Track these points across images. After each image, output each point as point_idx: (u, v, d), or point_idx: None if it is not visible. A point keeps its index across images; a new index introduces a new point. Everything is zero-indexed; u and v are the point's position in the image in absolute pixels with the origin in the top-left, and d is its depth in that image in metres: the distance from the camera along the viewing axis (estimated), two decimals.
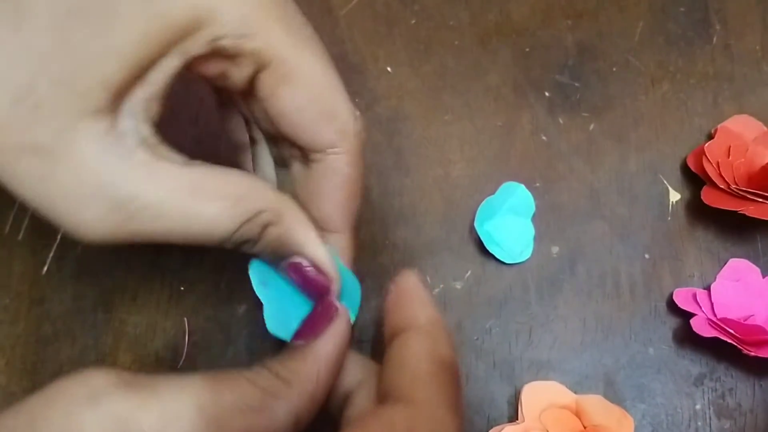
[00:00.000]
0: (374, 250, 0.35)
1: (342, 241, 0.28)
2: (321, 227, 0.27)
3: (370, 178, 0.36)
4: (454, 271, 0.34)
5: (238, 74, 0.23)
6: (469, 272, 0.34)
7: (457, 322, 0.34)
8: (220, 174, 0.23)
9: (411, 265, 0.35)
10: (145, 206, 0.21)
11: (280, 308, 0.27)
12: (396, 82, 0.37)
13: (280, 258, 0.25)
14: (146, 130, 0.22)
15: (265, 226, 0.24)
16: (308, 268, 0.25)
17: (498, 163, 0.36)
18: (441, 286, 0.34)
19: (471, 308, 0.34)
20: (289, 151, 0.27)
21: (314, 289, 0.26)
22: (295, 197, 0.27)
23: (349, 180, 0.26)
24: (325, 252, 0.25)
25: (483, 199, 0.34)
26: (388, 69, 0.38)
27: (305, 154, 0.26)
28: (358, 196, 0.27)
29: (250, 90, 0.24)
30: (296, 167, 0.27)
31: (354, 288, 0.28)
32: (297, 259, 0.25)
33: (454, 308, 0.34)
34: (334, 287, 0.26)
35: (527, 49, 0.38)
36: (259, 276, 0.27)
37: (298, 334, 0.26)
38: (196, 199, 0.22)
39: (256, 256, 0.26)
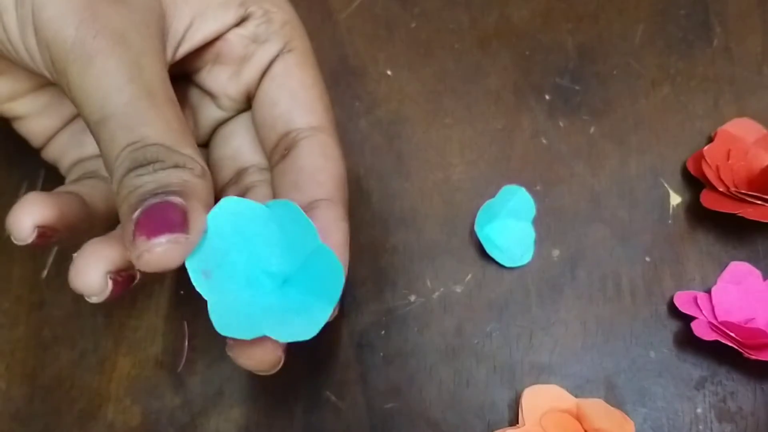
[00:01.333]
0: (374, 254, 0.35)
1: (332, 211, 0.25)
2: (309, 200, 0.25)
3: (370, 181, 0.36)
4: (454, 275, 0.34)
5: (267, 51, 0.26)
6: (469, 276, 0.34)
7: (457, 325, 0.34)
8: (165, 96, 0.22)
9: (411, 269, 0.35)
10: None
11: (234, 301, 0.22)
12: (396, 85, 0.37)
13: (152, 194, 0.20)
14: None
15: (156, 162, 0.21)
16: (178, 207, 0.20)
17: (498, 167, 0.36)
18: (441, 289, 0.34)
19: (471, 312, 0.34)
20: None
21: (168, 222, 0.20)
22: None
23: (330, 155, 0.26)
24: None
25: (483, 203, 0.34)
26: (389, 72, 0.38)
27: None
28: (342, 174, 0.26)
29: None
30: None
31: (334, 270, 0.22)
32: (173, 199, 0.20)
33: (454, 312, 0.34)
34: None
35: (527, 53, 0.38)
36: (199, 264, 0.21)
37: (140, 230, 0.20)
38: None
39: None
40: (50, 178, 0.36)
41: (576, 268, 0.35)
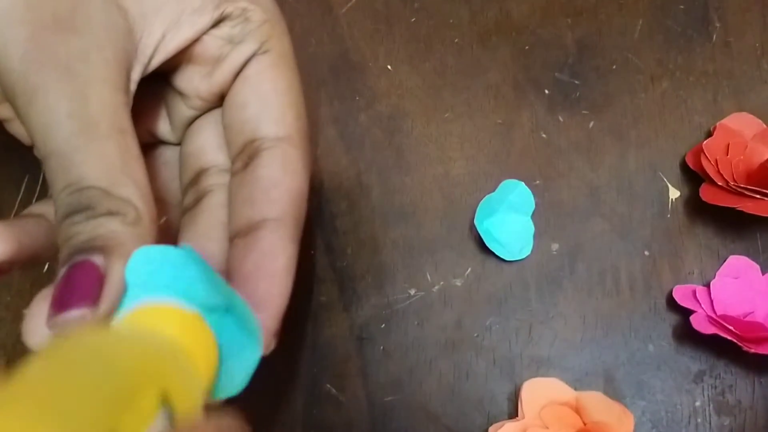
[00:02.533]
0: (374, 248, 0.35)
1: (279, 232, 0.24)
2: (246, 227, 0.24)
3: (370, 175, 0.36)
4: (454, 269, 0.35)
5: (241, 53, 0.26)
6: (469, 270, 0.35)
7: (457, 319, 0.34)
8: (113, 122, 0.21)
9: (411, 263, 0.35)
10: None
11: None
12: (396, 80, 0.38)
13: (76, 252, 0.20)
14: None
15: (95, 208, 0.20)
16: (97, 269, 0.19)
17: (498, 161, 0.36)
18: (441, 283, 0.34)
19: (471, 305, 0.34)
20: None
21: (80, 293, 0.19)
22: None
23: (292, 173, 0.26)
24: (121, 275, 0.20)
25: (483, 197, 0.34)
26: (389, 67, 0.38)
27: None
28: (300, 189, 0.26)
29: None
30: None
31: (250, 326, 0.20)
32: (97, 260, 0.19)
33: (454, 305, 0.34)
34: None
35: (527, 47, 0.38)
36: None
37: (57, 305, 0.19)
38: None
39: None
40: None
41: (575, 262, 0.35)
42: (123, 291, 0.20)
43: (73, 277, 0.19)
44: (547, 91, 0.37)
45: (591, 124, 0.37)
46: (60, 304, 0.19)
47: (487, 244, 0.34)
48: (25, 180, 0.36)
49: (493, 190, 0.35)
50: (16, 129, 0.28)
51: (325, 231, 0.35)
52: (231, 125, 0.27)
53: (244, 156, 0.26)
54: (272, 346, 0.23)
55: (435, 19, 0.39)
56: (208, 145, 0.28)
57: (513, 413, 0.32)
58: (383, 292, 0.34)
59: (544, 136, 0.37)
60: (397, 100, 0.37)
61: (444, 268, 0.35)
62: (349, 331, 0.34)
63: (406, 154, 0.36)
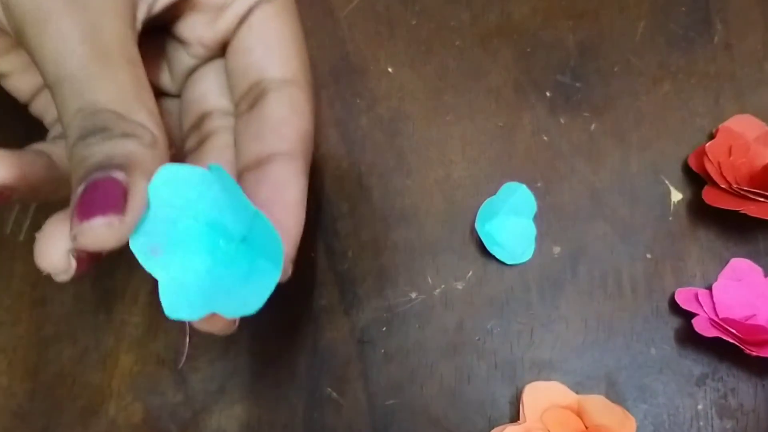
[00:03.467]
0: (375, 251, 0.35)
1: (291, 165, 0.25)
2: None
3: (371, 178, 0.36)
4: (455, 272, 0.34)
5: (245, 1, 0.26)
6: (470, 273, 0.34)
7: (458, 322, 0.34)
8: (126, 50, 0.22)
9: (412, 266, 0.35)
10: None
11: (183, 278, 0.21)
12: (397, 82, 0.37)
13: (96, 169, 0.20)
14: None
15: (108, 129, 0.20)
16: (119, 183, 0.20)
17: (499, 164, 0.36)
18: (442, 286, 0.34)
19: (472, 309, 0.34)
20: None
21: (105, 204, 0.19)
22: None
23: (298, 111, 0.26)
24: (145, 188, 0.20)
25: (484, 200, 0.34)
26: (389, 70, 0.38)
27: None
28: (308, 129, 0.26)
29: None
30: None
31: (273, 240, 0.20)
32: (118, 176, 0.20)
33: (455, 308, 0.34)
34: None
35: (528, 50, 0.38)
36: (146, 242, 0.21)
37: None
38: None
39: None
40: None
41: (577, 265, 0.35)
42: (146, 206, 0.20)
43: (95, 190, 0.19)
44: (548, 94, 0.37)
45: (592, 126, 0.37)
46: (84, 213, 0.19)
47: (488, 248, 0.34)
48: None
49: (495, 193, 0.35)
50: (13, 84, 0.28)
51: (325, 233, 0.35)
52: (235, 69, 0.27)
53: (249, 98, 0.26)
54: (289, 272, 0.23)
55: (436, 21, 0.39)
56: (210, 91, 0.28)
57: (514, 417, 0.32)
58: (384, 295, 0.34)
59: (545, 138, 0.37)
60: (398, 102, 0.37)
61: (445, 271, 0.35)
62: (350, 334, 0.34)
63: (407, 156, 0.36)
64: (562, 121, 0.37)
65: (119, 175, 0.19)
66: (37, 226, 0.35)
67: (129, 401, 0.33)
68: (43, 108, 0.29)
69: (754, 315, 0.33)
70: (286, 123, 0.25)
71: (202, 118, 0.28)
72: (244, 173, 0.25)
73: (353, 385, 0.33)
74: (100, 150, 0.20)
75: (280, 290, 0.34)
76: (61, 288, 0.34)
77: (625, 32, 0.38)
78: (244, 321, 0.34)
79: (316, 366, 0.33)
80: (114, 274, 0.34)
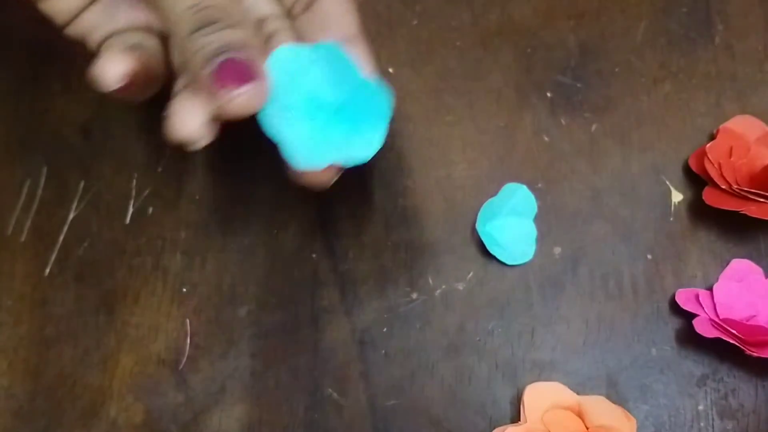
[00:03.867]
0: (376, 252, 0.35)
1: (361, 45, 0.29)
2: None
3: (372, 179, 0.36)
4: (456, 273, 0.34)
5: None
6: (471, 273, 0.34)
7: (459, 323, 0.34)
8: None
9: (413, 266, 0.35)
10: None
11: (299, 139, 0.26)
12: (398, 83, 0.37)
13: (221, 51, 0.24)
14: None
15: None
16: (245, 61, 0.24)
17: (500, 164, 0.36)
18: (443, 287, 0.34)
19: (473, 309, 0.34)
20: None
21: (237, 76, 0.24)
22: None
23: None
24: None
25: (485, 200, 0.34)
26: (390, 70, 0.38)
27: None
28: (359, 22, 0.29)
29: None
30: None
31: (381, 96, 0.26)
32: (241, 55, 0.24)
33: (456, 309, 0.34)
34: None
35: (529, 50, 0.38)
36: (266, 110, 0.25)
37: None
38: None
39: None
40: (52, 176, 0.36)
41: (578, 266, 0.35)
42: (269, 81, 0.25)
43: (229, 66, 0.23)
44: (549, 94, 0.37)
45: (593, 127, 0.37)
46: (231, 82, 0.23)
47: (489, 248, 0.34)
48: (27, 183, 0.36)
49: (495, 194, 0.35)
50: (53, 6, 0.29)
51: (326, 234, 0.35)
52: None
53: (302, 2, 0.29)
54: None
55: (437, 22, 0.39)
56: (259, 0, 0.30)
57: (515, 417, 0.32)
58: (385, 296, 0.34)
59: (546, 139, 0.37)
60: (398, 103, 0.37)
61: (446, 271, 0.35)
62: (351, 335, 0.34)
63: (407, 157, 0.36)
64: (562, 121, 0.37)
65: (242, 56, 0.23)
66: (38, 227, 0.35)
67: (130, 402, 0.33)
68: (88, 28, 0.30)
69: (755, 316, 0.33)
70: (345, 14, 0.29)
71: (259, 23, 0.30)
72: None
73: (354, 386, 0.33)
74: (218, 38, 0.23)
75: (281, 290, 0.34)
76: (62, 289, 0.34)
77: (625, 33, 0.38)
78: (245, 322, 0.34)
79: (316, 366, 0.33)
80: (115, 274, 0.34)
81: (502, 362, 0.33)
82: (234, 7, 0.25)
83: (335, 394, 0.33)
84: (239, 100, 0.23)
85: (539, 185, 0.36)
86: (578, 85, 0.38)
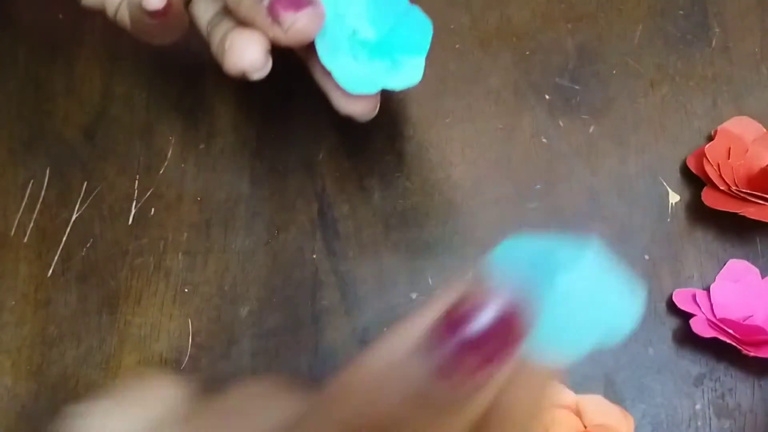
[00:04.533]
0: (376, 252, 0.35)
1: None
2: None
3: (372, 180, 0.36)
4: (455, 273, 0.35)
5: None
6: (470, 273, 0.35)
7: None
8: None
9: (413, 267, 0.35)
10: None
11: (349, 66, 0.28)
12: None
13: None
14: None
15: None
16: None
17: (499, 166, 0.36)
18: (443, 287, 0.34)
19: None
20: None
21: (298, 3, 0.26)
22: None
23: None
24: None
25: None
26: None
27: None
28: None
29: None
30: None
31: (423, 25, 0.29)
32: None
33: None
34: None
35: (527, 53, 0.38)
36: (320, 41, 0.28)
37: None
38: None
39: None
40: (55, 177, 0.36)
41: None
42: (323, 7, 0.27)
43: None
44: (547, 96, 0.38)
45: (591, 128, 0.37)
46: (293, 6, 0.25)
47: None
48: (30, 184, 0.36)
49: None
50: None
51: (326, 235, 0.35)
52: None
53: None
54: None
55: (436, 24, 0.38)
56: None
57: None
58: (385, 296, 0.34)
59: (544, 140, 0.37)
60: (397, 105, 0.37)
61: (446, 271, 0.35)
62: (351, 334, 0.34)
63: (407, 158, 0.37)
64: (561, 123, 0.37)
65: None
66: (41, 228, 0.35)
67: None
68: None
69: (752, 316, 0.33)
70: None
71: None
72: None
73: None
74: None
75: (282, 291, 0.35)
76: (65, 289, 0.34)
77: (623, 35, 0.39)
78: (247, 322, 0.34)
79: (316, 367, 0.33)
80: (117, 275, 0.35)
81: None
82: None
83: None
84: (298, 24, 0.25)
85: (537, 186, 0.36)
86: (576, 87, 0.38)
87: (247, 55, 0.27)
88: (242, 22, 0.28)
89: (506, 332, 0.15)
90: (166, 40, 0.31)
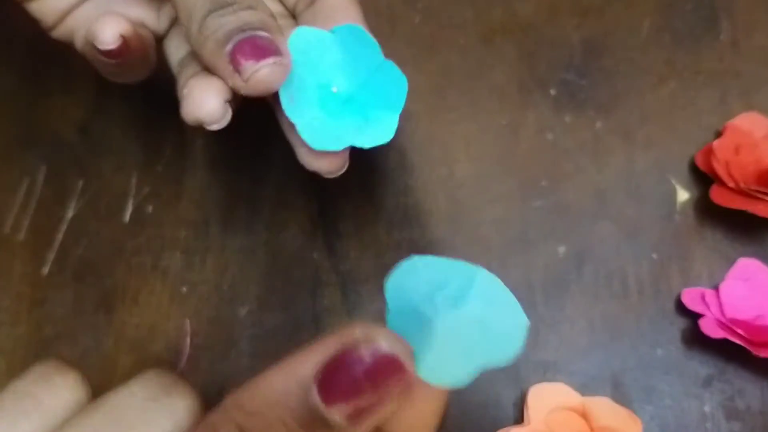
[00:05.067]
0: (378, 251, 0.35)
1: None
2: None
3: (374, 177, 0.36)
4: None
5: None
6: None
7: None
8: None
9: None
10: None
11: (316, 120, 0.26)
12: None
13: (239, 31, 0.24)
14: None
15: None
16: (266, 39, 0.24)
17: (503, 162, 0.36)
18: None
19: None
20: None
21: (262, 51, 0.24)
22: None
23: None
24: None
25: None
26: None
27: None
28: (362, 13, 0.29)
29: None
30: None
31: (398, 81, 0.27)
32: (262, 34, 0.24)
33: None
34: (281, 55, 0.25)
35: (532, 47, 0.38)
36: (285, 92, 0.26)
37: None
38: None
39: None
40: (50, 174, 0.36)
41: (582, 265, 0.34)
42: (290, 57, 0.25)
43: (251, 42, 0.24)
44: (552, 92, 0.37)
45: (597, 124, 0.37)
46: (254, 56, 0.24)
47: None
48: (25, 182, 0.35)
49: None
50: (42, 6, 0.29)
51: (327, 233, 0.35)
52: None
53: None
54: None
55: (439, 19, 0.38)
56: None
57: (519, 419, 0.32)
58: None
59: (550, 137, 0.36)
60: None
61: None
62: None
63: (410, 155, 0.36)
64: (566, 119, 0.37)
65: (263, 34, 0.24)
66: (36, 226, 0.35)
67: None
68: (78, 26, 0.30)
69: (762, 315, 0.33)
70: (349, 7, 0.28)
71: None
72: None
73: None
74: (236, 18, 0.24)
75: (282, 290, 0.34)
76: (61, 288, 0.34)
77: (630, 29, 0.38)
78: (245, 322, 0.33)
79: None
80: (114, 274, 0.34)
81: None
82: None
83: None
84: (259, 74, 0.24)
85: (543, 183, 0.35)
86: (582, 82, 0.37)
87: (204, 105, 0.25)
88: (206, 67, 0.26)
89: (383, 375, 0.17)
90: (130, 79, 0.30)
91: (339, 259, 0.34)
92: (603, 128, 0.36)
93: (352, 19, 0.28)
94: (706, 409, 0.32)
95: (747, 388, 0.33)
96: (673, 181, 0.36)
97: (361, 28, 0.27)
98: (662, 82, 0.37)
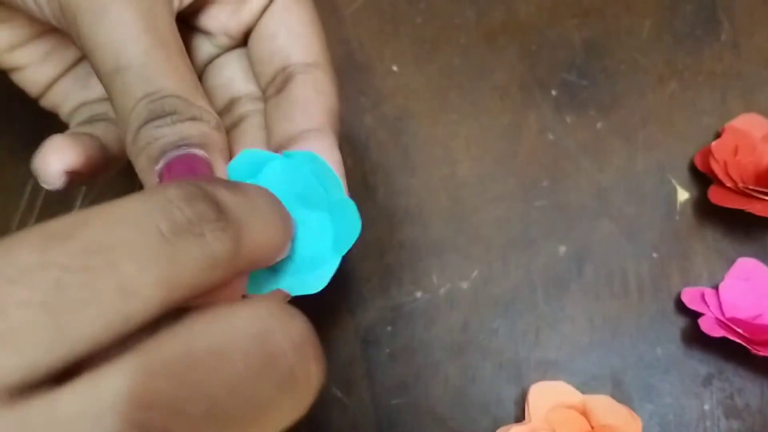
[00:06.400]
0: (380, 250, 0.35)
1: (322, 140, 0.24)
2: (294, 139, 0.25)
3: (376, 177, 0.36)
4: (460, 271, 0.34)
5: None
6: (475, 272, 0.34)
7: (463, 322, 0.34)
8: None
9: (417, 265, 0.34)
10: None
11: None
12: (402, 81, 0.37)
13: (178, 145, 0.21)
14: None
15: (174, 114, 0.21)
16: (202, 159, 0.21)
17: (504, 162, 0.36)
18: (447, 285, 0.34)
19: (478, 308, 0.34)
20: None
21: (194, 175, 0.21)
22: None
23: (322, 90, 0.26)
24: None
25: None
26: (394, 68, 0.38)
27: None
28: (334, 107, 0.26)
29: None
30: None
31: (351, 224, 0.23)
32: (196, 151, 0.21)
33: (460, 308, 0.34)
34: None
35: (534, 48, 0.38)
36: None
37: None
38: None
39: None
40: None
41: (583, 265, 0.34)
42: None
43: (181, 163, 0.20)
44: (554, 92, 0.37)
45: (598, 125, 0.37)
46: (184, 175, 0.20)
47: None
48: (30, 183, 0.36)
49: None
50: (28, 77, 0.28)
51: None
52: (260, 56, 0.27)
53: (277, 83, 0.27)
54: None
55: (441, 19, 0.39)
56: (235, 77, 0.29)
57: (520, 417, 0.32)
58: (389, 295, 0.34)
59: (551, 137, 0.36)
60: (402, 101, 0.37)
61: (450, 270, 0.34)
62: (355, 333, 0.34)
63: (411, 155, 0.36)
64: (567, 119, 0.37)
65: (200, 152, 0.21)
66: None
67: None
68: (60, 98, 0.29)
69: (761, 314, 0.33)
70: (313, 102, 0.26)
71: (232, 103, 0.28)
72: (277, 152, 0.26)
73: (358, 385, 0.33)
74: (172, 131, 0.21)
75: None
76: None
77: (631, 30, 0.38)
78: None
79: None
80: None
81: (506, 361, 0.33)
82: (196, 97, 0.22)
83: (339, 393, 0.33)
84: None
85: (544, 183, 0.36)
86: (583, 83, 0.37)
87: (43, 166, 0.24)
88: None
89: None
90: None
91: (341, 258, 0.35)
92: (604, 128, 0.37)
93: (311, 121, 0.25)
94: (706, 407, 0.33)
95: (746, 387, 0.33)
96: (674, 181, 0.36)
97: (320, 158, 0.22)
98: (663, 82, 0.37)
